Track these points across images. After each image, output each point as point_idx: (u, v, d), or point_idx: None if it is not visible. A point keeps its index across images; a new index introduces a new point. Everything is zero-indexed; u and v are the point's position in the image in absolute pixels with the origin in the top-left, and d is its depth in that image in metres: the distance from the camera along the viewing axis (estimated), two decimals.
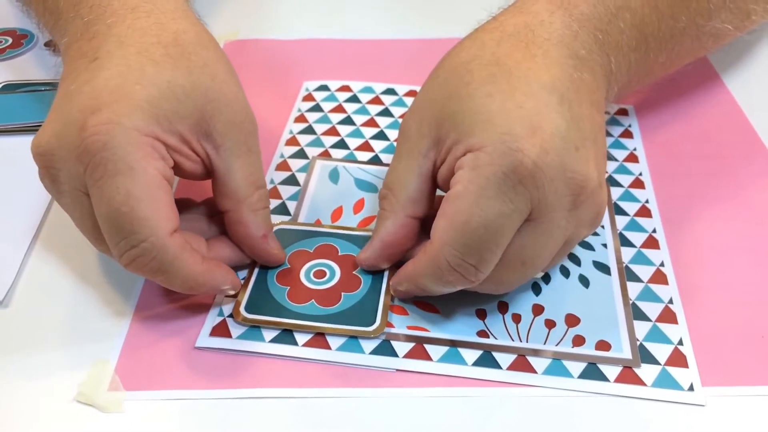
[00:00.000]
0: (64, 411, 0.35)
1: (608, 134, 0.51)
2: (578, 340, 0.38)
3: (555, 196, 0.34)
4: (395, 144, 0.50)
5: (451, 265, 0.35)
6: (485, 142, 0.34)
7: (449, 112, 0.37)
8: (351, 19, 0.65)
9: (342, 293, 0.40)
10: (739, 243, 0.44)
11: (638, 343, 0.38)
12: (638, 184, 0.48)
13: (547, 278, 0.41)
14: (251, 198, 0.39)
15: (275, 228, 0.44)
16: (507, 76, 0.36)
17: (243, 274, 0.41)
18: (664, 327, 0.39)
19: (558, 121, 0.35)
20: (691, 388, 0.36)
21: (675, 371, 0.37)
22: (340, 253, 0.42)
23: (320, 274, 0.41)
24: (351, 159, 0.50)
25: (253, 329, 0.38)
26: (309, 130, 0.52)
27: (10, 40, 0.61)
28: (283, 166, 0.49)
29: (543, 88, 0.36)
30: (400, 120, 0.53)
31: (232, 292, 0.39)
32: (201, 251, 0.38)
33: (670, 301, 0.40)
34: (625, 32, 0.41)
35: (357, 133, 0.52)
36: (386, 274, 0.41)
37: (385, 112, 0.54)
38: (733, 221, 0.45)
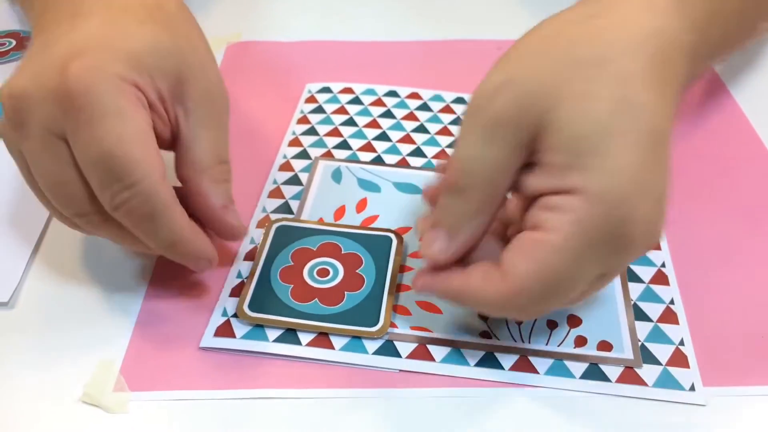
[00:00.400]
0: (69, 412, 0.36)
1: None
2: (580, 341, 0.38)
3: (634, 257, 0.33)
4: (398, 145, 0.51)
5: (518, 309, 0.34)
6: (595, 192, 0.31)
7: (565, 115, 0.31)
8: (353, 21, 0.65)
9: (345, 292, 0.40)
10: (739, 244, 0.44)
11: (639, 343, 0.38)
12: None
13: None
14: (213, 169, 0.38)
15: (278, 224, 0.44)
16: (638, 110, 0.32)
17: (246, 271, 0.41)
18: (666, 327, 0.39)
19: (662, 181, 0.33)
20: (692, 388, 0.36)
21: (676, 371, 0.37)
22: (343, 252, 0.42)
23: (323, 273, 0.41)
24: (354, 159, 0.50)
25: (257, 329, 0.39)
26: (311, 131, 0.52)
27: (14, 42, 0.61)
28: (286, 166, 0.49)
29: (660, 134, 0.33)
30: (402, 122, 0.53)
31: (208, 267, 0.38)
32: None
33: (671, 302, 0.40)
34: (711, 41, 0.38)
35: (359, 134, 0.52)
36: (389, 273, 0.41)
37: (387, 114, 0.54)
38: (734, 223, 0.45)
